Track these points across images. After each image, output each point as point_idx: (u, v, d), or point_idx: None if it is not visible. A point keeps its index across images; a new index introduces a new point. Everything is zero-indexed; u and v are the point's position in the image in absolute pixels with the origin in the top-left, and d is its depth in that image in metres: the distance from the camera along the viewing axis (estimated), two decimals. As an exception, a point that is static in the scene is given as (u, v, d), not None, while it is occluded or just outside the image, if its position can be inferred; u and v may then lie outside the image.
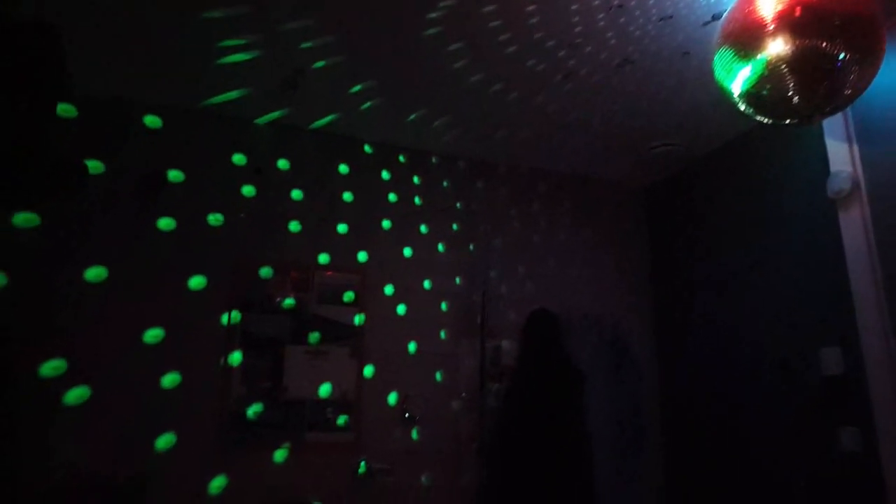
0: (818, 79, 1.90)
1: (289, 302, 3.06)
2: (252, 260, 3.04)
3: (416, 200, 3.45)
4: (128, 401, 2.66)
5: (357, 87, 2.92)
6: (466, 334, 3.31)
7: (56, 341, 2.62)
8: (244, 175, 3.13)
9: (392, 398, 3.11)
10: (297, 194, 3.20)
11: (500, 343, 3.33)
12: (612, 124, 3.21)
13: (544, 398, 3.06)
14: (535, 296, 3.45)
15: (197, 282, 2.92)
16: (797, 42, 1.84)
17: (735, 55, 1.96)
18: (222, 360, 2.88)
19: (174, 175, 2.99)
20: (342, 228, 3.25)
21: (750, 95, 2.02)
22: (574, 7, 2.36)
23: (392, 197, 3.40)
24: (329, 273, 3.17)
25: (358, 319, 3.15)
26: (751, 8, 1.91)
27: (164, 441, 2.69)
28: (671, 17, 2.41)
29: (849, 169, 2.53)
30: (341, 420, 3.00)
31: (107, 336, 2.70)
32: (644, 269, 3.84)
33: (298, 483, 2.84)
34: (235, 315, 2.95)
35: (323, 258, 3.17)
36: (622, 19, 2.43)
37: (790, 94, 1.94)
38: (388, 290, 3.26)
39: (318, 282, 3.14)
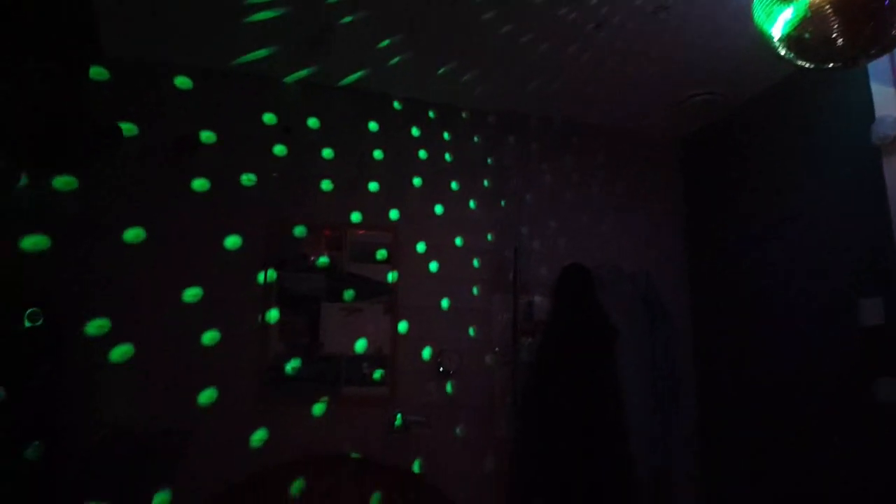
0: (864, 19, 1.81)
1: (323, 260, 3.10)
2: (285, 219, 3.08)
3: (447, 157, 3.43)
4: (170, 358, 2.76)
5: (385, 42, 2.88)
6: (499, 290, 3.32)
7: (99, 301, 2.71)
8: (275, 135, 3.14)
9: (426, 353, 3.16)
10: (327, 153, 3.21)
11: (532, 298, 3.33)
12: (646, 74, 3.12)
13: (577, 353, 3.08)
14: (567, 251, 3.43)
15: (232, 241, 2.97)
16: (842, -20, 1.76)
17: (776, -3, 1.88)
18: (260, 318, 2.95)
19: (206, 136, 3.02)
20: (373, 187, 3.26)
21: (791, 39, 1.94)
22: (607, -49, 2.28)
23: (422, 154, 3.38)
24: (361, 231, 3.20)
25: (391, 277, 3.18)
26: (793, -54, 1.82)
27: (207, 396, 2.78)
28: (709, -42, 2.32)
29: (895, 114, 2.43)
30: (377, 374, 3.06)
31: (148, 295, 2.78)
32: (679, 221, 3.78)
33: (336, 435, 2.93)
34: (271, 274, 3.00)
35: (355, 217, 3.19)
36: (657, -37, 2.34)
37: (834, 36, 1.85)
38: (420, 247, 3.28)
39: (350, 240, 3.17)
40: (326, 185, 3.18)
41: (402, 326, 3.15)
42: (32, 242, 2.65)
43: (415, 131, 3.40)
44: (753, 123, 3.35)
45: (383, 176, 3.28)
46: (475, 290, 3.31)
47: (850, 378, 2.62)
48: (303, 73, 3.16)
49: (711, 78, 3.15)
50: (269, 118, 3.15)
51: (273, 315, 2.97)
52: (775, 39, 1.98)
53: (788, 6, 1.86)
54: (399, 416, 2.99)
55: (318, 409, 2.95)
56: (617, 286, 3.38)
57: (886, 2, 1.77)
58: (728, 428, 3.33)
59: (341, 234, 3.15)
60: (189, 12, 2.64)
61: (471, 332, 3.25)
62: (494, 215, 3.43)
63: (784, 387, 2.97)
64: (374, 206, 3.24)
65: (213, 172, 2.99)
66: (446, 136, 3.45)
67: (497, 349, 3.25)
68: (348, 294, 3.09)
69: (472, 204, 3.41)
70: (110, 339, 2.69)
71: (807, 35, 1.89)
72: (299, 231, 3.09)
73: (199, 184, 2.97)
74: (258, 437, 2.83)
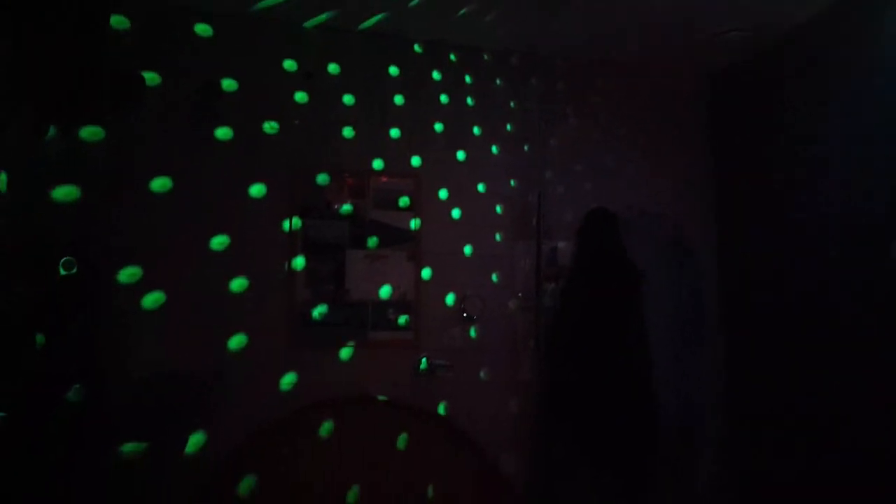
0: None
1: (346, 208, 3.11)
2: (308, 167, 3.09)
3: (469, 101, 3.37)
4: (200, 304, 2.82)
5: (405, -17, 2.82)
6: (522, 236, 3.32)
7: (130, 250, 2.77)
8: (296, 81, 3.12)
9: (450, 299, 3.19)
10: (348, 99, 3.18)
11: (556, 244, 3.32)
12: (674, 10, 3.00)
13: (602, 297, 3.08)
14: (592, 195, 3.39)
15: (257, 189, 3.00)
16: None
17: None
18: (286, 265, 2.99)
19: (228, 84, 3.00)
20: (395, 133, 3.23)
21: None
22: None
23: (444, 98, 3.33)
24: (384, 178, 3.20)
25: (414, 224, 3.19)
26: None
27: (237, 341, 2.86)
28: None
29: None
30: (402, 320, 3.11)
31: (176, 244, 2.83)
32: (707, 162, 3.69)
33: (363, 379, 3.00)
34: (296, 221, 3.03)
35: (377, 164, 3.19)
36: None
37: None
38: (443, 194, 3.27)
39: (373, 187, 3.17)
40: (348, 132, 3.16)
41: (426, 273, 3.17)
42: (63, 193, 2.72)
43: (436, 75, 3.35)
44: (786, 61, 3.22)
45: (405, 122, 3.25)
46: (498, 237, 3.31)
47: (883, 320, 2.58)
48: (322, 17, 3.11)
49: (742, 14, 3.02)
50: (289, 65, 3.13)
51: (299, 262, 3.01)
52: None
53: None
54: (424, 360, 3.06)
55: (346, 353, 3.02)
56: (643, 229, 3.35)
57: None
58: (754, 372, 3.33)
59: (364, 181, 3.16)
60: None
61: (494, 278, 3.27)
62: (518, 160, 3.39)
63: (814, 331, 2.94)
64: (396, 153, 3.22)
65: (235, 120, 2.99)
66: (468, 79, 3.39)
67: (520, 294, 3.27)
68: (372, 241, 3.12)
69: (494, 149, 3.38)
70: (142, 287, 2.77)
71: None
72: (322, 179, 3.10)
73: (223, 132, 2.98)
74: (287, 380, 2.92)
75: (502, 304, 3.26)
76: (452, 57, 3.39)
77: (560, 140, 3.47)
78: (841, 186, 2.83)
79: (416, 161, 3.25)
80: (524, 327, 3.25)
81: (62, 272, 2.60)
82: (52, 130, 2.75)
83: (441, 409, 3.08)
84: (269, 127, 3.05)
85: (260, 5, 2.97)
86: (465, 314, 3.18)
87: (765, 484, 3.20)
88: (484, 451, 3.05)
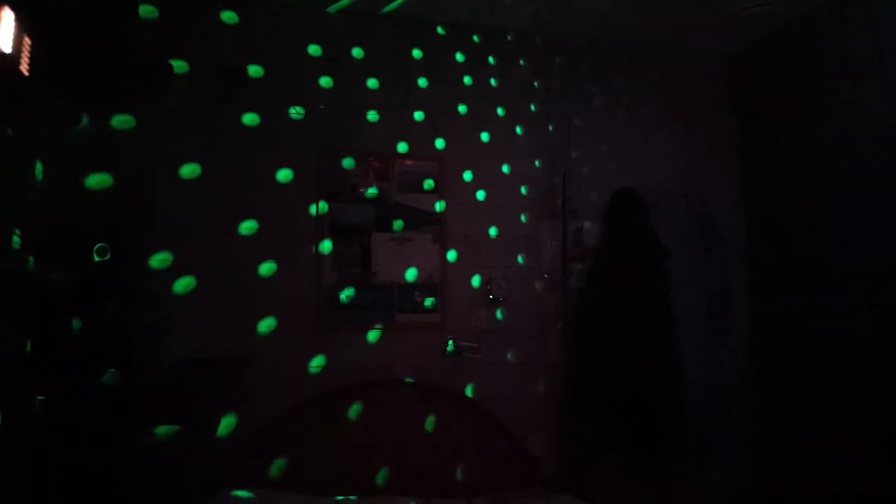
0: None
1: (372, 191, 3.13)
2: (334, 151, 3.11)
3: (492, 82, 3.36)
4: (230, 288, 2.87)
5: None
6: (547, 217, 3.30)
7: (161, 236, 2.82)
8: (321, 66, 3.14)
9: (475, 281, 3.20)
10: (372, 83, 3.20)
11: (581, 224, 3.30)
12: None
13: (628, 277, 3.06)
14: (617, 175, 3.36)
15: (284, 174, 3.03)
16: None
17: None
18: (314, 249, 3.02)
19: (254, 70, 3.03)
20: (419, 116, 3.24)
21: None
22: None
23: (467, 80, 3.33)
24: (408, 162, 3.20)
25: (439, 206, 3.20)
26: None
27: (266, 325, 2.90)
28: None
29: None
30: (428, 302, 3.12)
31: (206, 229, 2.88)
32: (733, 141, 3.63)
33: (391, 361, 3.03)
34: (323, 205, 3.06)
35: (402, 147, 3.20)
36: None
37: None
38: (467, 176, 3.27)
39: (398, 171, 3.18)
40: (372, 115, 3.18)
41: (451, 255, 3.18)
42: (96, 181, 2.78)
43: (459, 57, 3.34)
44: (813, 37, 3.15)
45: (428, 105, 3.25)
46: (523, 218, 3.30)
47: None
48: (346, 1, 3.12)
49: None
50: (314, 50, 3.15)
51: (326, 246, 3.04)
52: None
53: None
54: (451, 342, 3.06)
55: (373, 335, 3.04)
56: (669, 209, 3.31)
57: None
58: (783, 351, 3.28)
59: (389, 164, 3.17)
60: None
61: (519, 259, 3.26)
62: (542, 140, 3.37)
63: (845, 308, 2.89)
64: (420, 136, 3.23)
65: (261, 106, 3.03)
66: (491, 60, 3.38)
67: (546, 275, 3.26)
68: (397, 224, 3.13)
69: (518, 130, 3.36)
70: (173, 272, 2.82)
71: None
72: (348, 163, 3.12)
73: (249, 118, 3.02)
74: (316, 363, 2.95)
75: (529, 285, 3.25)
76: (476, 38, 3.38)
77: (584, 120, 3.44)
78: (873, 164, 2.76)
79: (440, 143, 3.25)
80: (551, 308, 3.24)
81: (96, 258, 2.66)
82: (84, 119, 2.81)
83: (468, 392, 3.09)
84: (295, 112, 3.07)
85: (283, -10, 2.99)
86: (490, 296, 3.18)
87: (791, 469, 3.16)
88: (512, 433, 3.05)
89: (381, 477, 2.86)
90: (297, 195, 3.04)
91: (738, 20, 3.23)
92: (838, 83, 2.97)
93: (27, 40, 1.95)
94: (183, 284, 2.83)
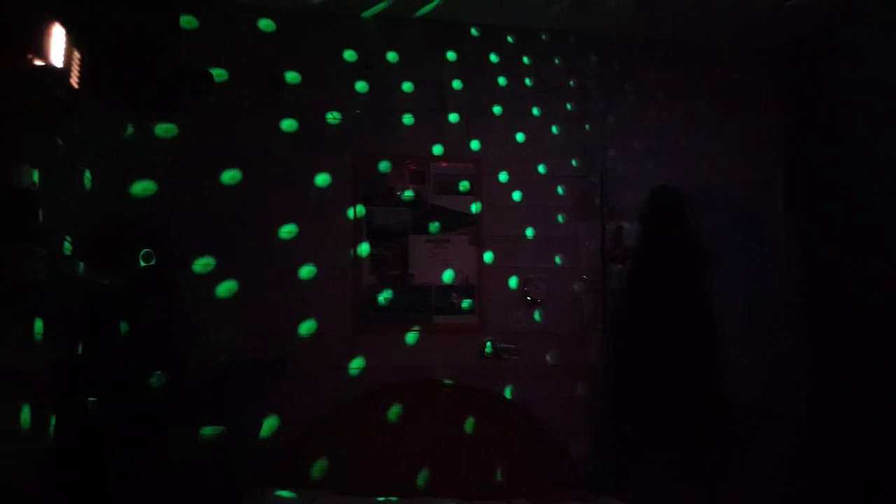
0: None
1: (408, 194, 3.15)
2: (370, 155, 3.14)
3: (527, 82, 3.35)
4: (271, 292, 2.92)
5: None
6: (585, 217, 3.28)
7: (203, 241, 2.88)
8: (356, 71, 3.18)
9: (513, 282, 3.19)
10: (407, 86, 3.22)
11: (620, 224, 3.26)
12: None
13: (670, 278, 3.02)
14: (656, 173, 3.31)
15: (322, 179, 3.07)
16: None
17: None
18: (352, 252, 3.05)
19: (291, 77, 3.09)
20: (453, 118, 3.25)
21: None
22: None
23: (501, 80, 3.33)
24: (444, 164, 3.22)
25: (475, 208, 3.20)
26: None
27: (307, 327, 2.94)
28: None
29: None
30: (466, 304, 3.13)
31: (247, 234, 2.93)
32: (775, 138, 3.55)
33: (429, 363, 3.04)
34: (360, 209, 3.09)
35: (437, 149, 3.21)
36: None
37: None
38: (503, 177, 3.26)
39: (433, 173, 3.20)
40: (408, 119, 3.20)
41: (488, 256, 3.18)
42: (142, 188, 2.86)
43: (493, 58, 3.34)
44: (858, 28, 3.06)
45: (463, 106, 3.26)
46: (560, 218, 3.28)
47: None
48: (380, 6, 3.15)
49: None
50: (349, 55, 3.18)
51: (364, 248, 3.07)
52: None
53: None
54: (489, 343, 3.06)
55: (411, 337, 3.06)
56: (709, 207, 3.24)
57: None
58: (835, 353, 3.19)
59: (424, 167, 3.19)
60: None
61: (557, 260, 3.24)
62: (578, 140, 3.35)
63: None
64: (456, 138, 3.24)
65: (299, 112, 3.07)
66: (526, 60, 3.37)
67: (585, 276, 3.24)
68: (434, 226, 3.14)
69: (554, 129, 3.35)
70: (216, 276, 2.88)
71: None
72: (384, 166, 3.14)
73: (288, 124, 3.07)
74: (356, 364, 2.98)
75: (567, 286, 3.23)
76: (510, 39, 3.37)
77: (619, 118, 3.40)
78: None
79: (475, 145, 3.25)
80: (591, 309, 3.21)
81: (142, 263, 2.73)
82: (129, 129, 2.89)
83: (507, 393, 3.08)
84: (332, 117, 3.11)
85: (318, -3, 3.04)
86: (528, 297, 3.17)
87: (845, 469, 3.07)
88: (552, 435, 3.03)
89: (421, 478, 2.87)
90: (335, 199, 3.07)
91: (779, 12, 3.16)
92: (882, 76, 2.88)
93: (76, 54, 2.02)
94: (225, 288, 2.88)
